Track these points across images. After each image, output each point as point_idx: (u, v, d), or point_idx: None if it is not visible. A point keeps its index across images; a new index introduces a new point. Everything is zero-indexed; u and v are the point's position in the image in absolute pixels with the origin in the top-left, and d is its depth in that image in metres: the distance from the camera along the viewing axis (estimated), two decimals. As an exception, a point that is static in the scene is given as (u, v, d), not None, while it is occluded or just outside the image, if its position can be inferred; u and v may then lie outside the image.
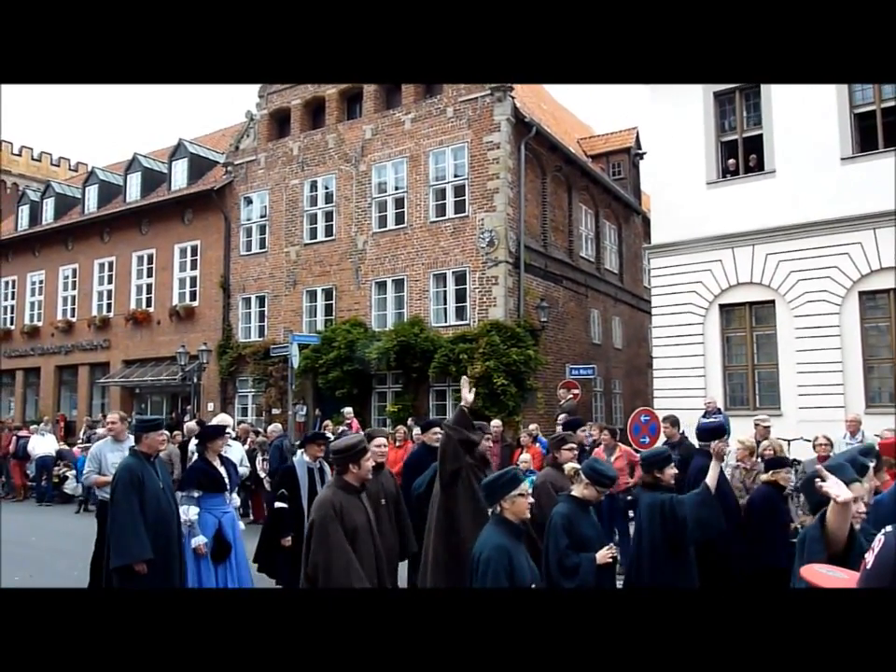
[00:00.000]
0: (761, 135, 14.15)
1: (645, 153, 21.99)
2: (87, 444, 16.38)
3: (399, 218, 18.59)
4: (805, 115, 13.37)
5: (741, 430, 9.88)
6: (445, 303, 17.78)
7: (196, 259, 22.64)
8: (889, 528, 1.53)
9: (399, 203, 18.67)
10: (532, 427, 11.14)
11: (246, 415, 20.42)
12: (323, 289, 19.70)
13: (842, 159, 13.16)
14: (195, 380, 20.18)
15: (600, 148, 23.66)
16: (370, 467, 4.67)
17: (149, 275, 23.85)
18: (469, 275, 17.32)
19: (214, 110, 71.10)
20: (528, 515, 3.92)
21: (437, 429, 8.28)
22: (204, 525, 6.22)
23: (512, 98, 17.31)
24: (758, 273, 13.79)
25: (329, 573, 4.08)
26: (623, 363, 22.64)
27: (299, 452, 7.06)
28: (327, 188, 20.03)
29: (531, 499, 3.91)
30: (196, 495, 6.26)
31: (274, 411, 19.22)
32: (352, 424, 13.31)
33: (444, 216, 17.91)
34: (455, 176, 17.85)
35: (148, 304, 23.70)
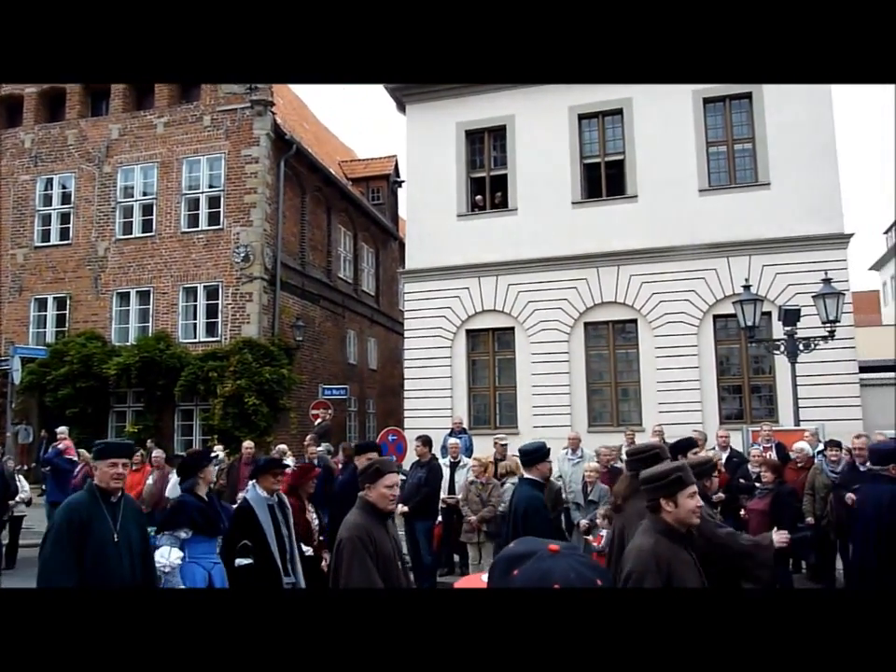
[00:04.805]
0: (505, 175, 15.34)
1: (403, 181, 22.79)
2: None
3: (147, 226, 17.49)
4: (542, 161, 14.76)
5: (483, 448, 10.55)
6: (195, 318, 16.98)
7: None
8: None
9: (148, 209, 17.57)
10: (281, 447, 10.94)
11: (-47, 437, 17.85)
12: (55, 298, 17.90)
13: (573, 203, 14.67)
14: None
15: (361, 173, 24.14)
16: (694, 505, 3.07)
17: None
18: (221, 290, 16.71)
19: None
20: None
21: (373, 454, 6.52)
22: (192, 579, 5.04)
23: (273, 114, 17.12)
24: (500, 302, 14.86)
25: None
26: (377, 383, 23.11)
27: (250, 485, 5.57)
28: (64, 187, 18.31)
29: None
30: (184, 536, 5.06)
31: (-11, 432, 17.02)
32: (67, 447, 11.76)
33: (197, 227, 17.15)
34: (210, 187, 17.19)
35: None
